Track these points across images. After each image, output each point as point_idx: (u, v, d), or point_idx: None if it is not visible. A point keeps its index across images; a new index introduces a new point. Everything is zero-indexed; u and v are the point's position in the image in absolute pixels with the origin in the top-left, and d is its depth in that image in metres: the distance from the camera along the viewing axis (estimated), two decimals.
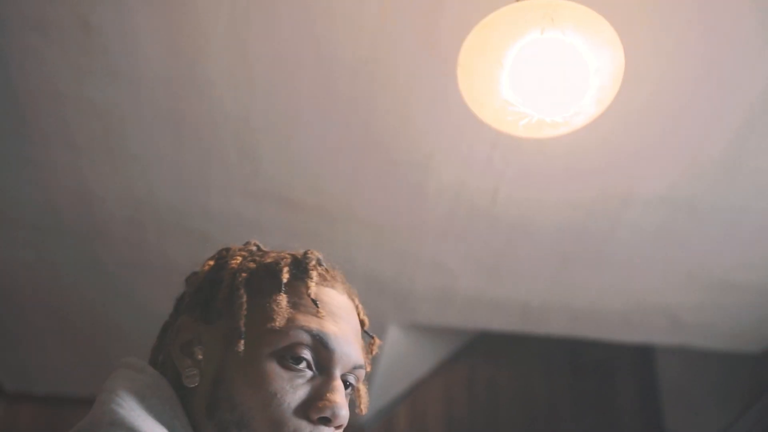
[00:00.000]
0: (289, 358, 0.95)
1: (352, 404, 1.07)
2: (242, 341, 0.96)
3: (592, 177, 2.65)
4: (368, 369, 1.07)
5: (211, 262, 1.11)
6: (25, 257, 3.10)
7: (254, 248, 1.12)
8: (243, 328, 0.97)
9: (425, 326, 3.62)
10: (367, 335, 1.12)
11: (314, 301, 1.00)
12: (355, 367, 1.02)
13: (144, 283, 3.18)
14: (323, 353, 0.97)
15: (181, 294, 1.12)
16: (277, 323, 0.96)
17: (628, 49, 1.72)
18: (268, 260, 1.07)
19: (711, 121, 2.40)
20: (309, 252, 1.08)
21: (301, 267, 1.05)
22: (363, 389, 1.11)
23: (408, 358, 3.85)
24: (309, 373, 0.97)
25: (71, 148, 2.56)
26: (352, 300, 1.10)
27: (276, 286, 1.01)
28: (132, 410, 0.90)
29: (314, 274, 1.04)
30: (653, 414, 3.92)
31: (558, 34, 1.61)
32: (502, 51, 1.64)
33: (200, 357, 0.98)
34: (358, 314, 1.10)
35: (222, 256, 1.11)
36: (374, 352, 1.13)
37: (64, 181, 2.70)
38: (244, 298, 1.00)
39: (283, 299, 0.99)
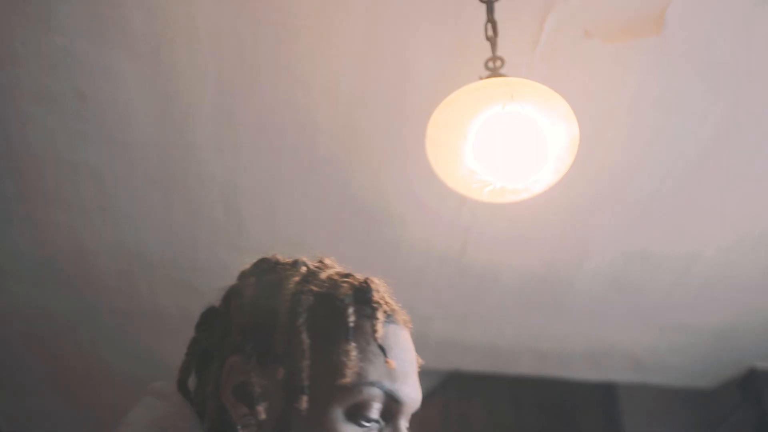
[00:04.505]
0: (361, 417, 0.80)
1: None
2: (305, 397, 0.80)
3: (552, 233, 2.66)
4: None
5: (252, 280, 0.91)
6: (24, 307, 3.08)
7: (305, 270, 0.91)
8: (307, 382, 0.80)
9: None
10: None
11: (382, 349, 0.83)
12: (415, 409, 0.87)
13: (135, 330, 3.16)
14: (392, 406, 0.83)
15: (217, 315, 0.94)
16: (349, 379, 0.80)
17: (582, 118, 1.73)
18: (328, 291, 0.87)
19: (659, 177, 2.43)
20: (371, 283, 0.89)
21: (365, 303, 0.86)
22: None
23: None
24: (377, 426, 0.82)
25: (68, 207, 2.56)
26: (407, 324, 0.93)
27: (342, 332, 0.83)
28: None
29: (380, 313, 0.86)
30: None
31: (518, 108, 1.61)
32: (466, 125, 1.63)
33: (259, 407, 0.81)
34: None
35: (272, 280, 0.91)
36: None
37: (62, 237, 2.70)
38: (307, 345, 0.82)
39: (352, 349, 0.81)
